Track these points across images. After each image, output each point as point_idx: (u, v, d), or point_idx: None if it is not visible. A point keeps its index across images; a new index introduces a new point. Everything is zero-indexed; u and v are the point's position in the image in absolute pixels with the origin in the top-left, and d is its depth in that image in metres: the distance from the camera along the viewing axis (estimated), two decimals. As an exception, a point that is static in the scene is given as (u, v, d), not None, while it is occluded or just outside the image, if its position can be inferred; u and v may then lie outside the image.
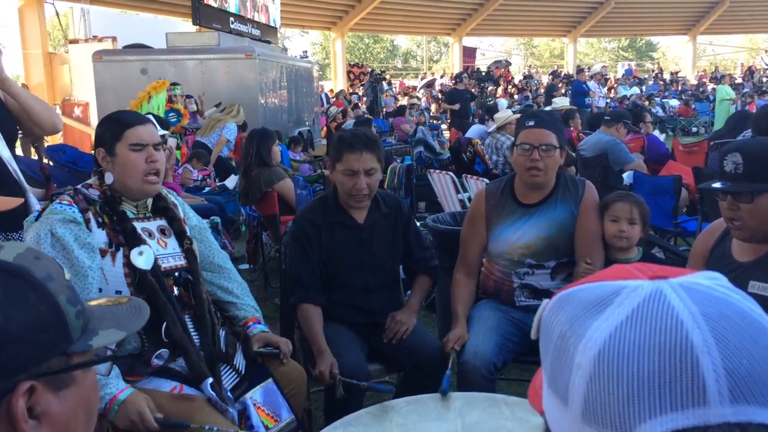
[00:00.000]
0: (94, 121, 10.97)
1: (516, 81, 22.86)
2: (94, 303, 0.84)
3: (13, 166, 2.30)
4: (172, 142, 5.13)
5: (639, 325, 0.51)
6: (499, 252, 2.47)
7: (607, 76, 22.36)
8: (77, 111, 12.66)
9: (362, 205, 2.42)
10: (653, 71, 27.38)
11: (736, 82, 21.38)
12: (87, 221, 1.81)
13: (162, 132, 4.56)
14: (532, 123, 2.38)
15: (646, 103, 17.06)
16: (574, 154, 5.60)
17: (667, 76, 25.15)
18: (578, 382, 0.52)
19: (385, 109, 16.41)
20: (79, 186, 1.91)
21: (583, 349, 0.53)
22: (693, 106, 18.68)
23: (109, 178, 1.89)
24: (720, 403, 0.47)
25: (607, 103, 15.62)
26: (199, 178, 6.78)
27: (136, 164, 1.87)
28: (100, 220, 1.84)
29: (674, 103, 19.18)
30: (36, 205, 2.28)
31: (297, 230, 2.45)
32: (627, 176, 5.01)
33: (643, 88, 21.48)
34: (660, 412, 0.48)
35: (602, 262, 2.37)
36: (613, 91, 20.48)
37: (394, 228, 2.51)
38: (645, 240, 2.56)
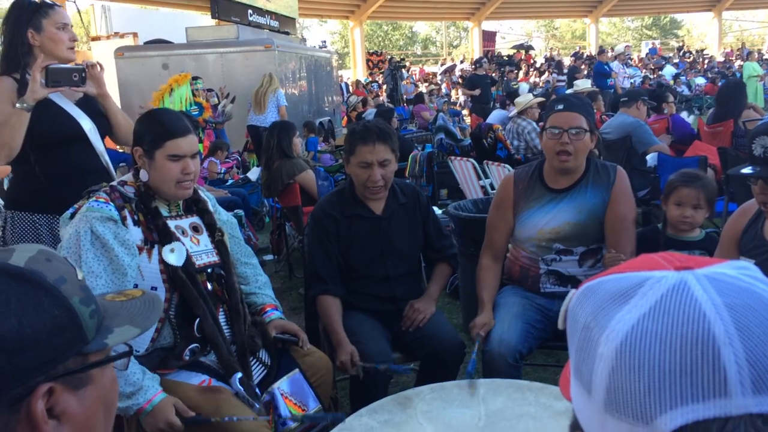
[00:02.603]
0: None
1: (538, 64, 22.56)
2: (108, 298, 0.85)
3: (105, 158, 2.58)
4: None
5: (661, 317, 0.51)
6: (526, 237, 2.44)
7: (631, 56, 21.92)
8: (101, 107, 12.80)
9: (378, 196, 2.43)
10: (679, 49, 26.78)
11: (765, 57, 20.84)
12: (123, 219, 1.84)
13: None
14: (561, 107, 2.34)
15: (672, 82, 16.74)
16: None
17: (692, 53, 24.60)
18: (601, 373, 0.53)
19: (405, 96, 16.36)
20: (114, 183, 1.94)
21: (606, 341, 0.53)
22: (720, 84, 18.26)
23: (144, 175, 1.92)
24: (742, 394, 0.47)
25: (631, 83, 15.35)
26: (223, 171, 6.86)
27: (172, 173, 1.90)
28: (136, 217, 1.87)
29: (700, 81, 18.78)
30: None
31: (315, 224, 2.46)
32: (651, 158, 4.93)
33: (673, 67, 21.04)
34: (681, 403, 0.48)
35: (633, 250, 2.31)
36: (646, 69, 19.99)
37: (412, 217, 2.51)
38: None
